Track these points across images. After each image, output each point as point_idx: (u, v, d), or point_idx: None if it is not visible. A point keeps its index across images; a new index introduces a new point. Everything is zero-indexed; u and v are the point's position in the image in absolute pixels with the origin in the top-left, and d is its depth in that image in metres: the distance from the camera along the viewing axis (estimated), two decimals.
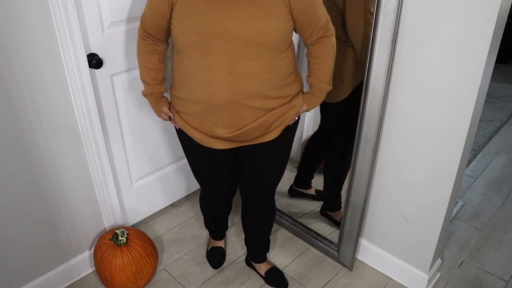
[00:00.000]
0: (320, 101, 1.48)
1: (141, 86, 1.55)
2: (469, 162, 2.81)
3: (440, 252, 1.87)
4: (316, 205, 2.22)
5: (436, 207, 1.64)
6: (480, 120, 2.50)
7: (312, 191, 2.28)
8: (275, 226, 2.15)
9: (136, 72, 1.69)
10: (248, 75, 1.28)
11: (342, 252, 1.94)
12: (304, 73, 1.50)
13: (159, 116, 1.53)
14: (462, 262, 2.03)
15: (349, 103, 1.77)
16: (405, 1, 1.39)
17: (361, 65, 1.68)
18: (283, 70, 1.34)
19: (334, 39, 1.39)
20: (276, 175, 1.63)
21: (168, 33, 1.40)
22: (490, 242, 2.15)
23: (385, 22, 1.42)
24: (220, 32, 1.23)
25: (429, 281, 1.82)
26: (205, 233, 2.15)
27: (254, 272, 1.96)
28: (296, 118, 1.49)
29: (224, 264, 1.99)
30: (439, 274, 1.93)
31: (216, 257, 2.00)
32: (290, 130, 1.50)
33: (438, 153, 1.54)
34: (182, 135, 1.51)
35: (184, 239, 2.14)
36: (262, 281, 1.91)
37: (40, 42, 1.43)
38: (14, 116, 1.46)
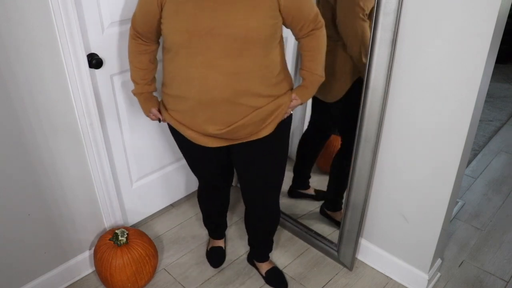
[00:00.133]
0: (313, 92, 1.48)
1: None
2: (469, 162, 2.81)
3: (440, 252, 1.88)
4: (316, 205, 2.22)
5: (436, 207, 1.64)
6: (480, 120, 2.50)
7: (311, 191, 2.28)
8: None
9: None
10: (237, 72, 1.29)
11: (342, 252, 1.94)
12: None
13: (147, 115, 1.56)
14: (462, 262, 2.03)
15: (346, 102, 1.78)
16: (405, 1, 1.39)
17: (355, 64, 1.69)
18: (273, 68, 1.35)
19: (324, 31, 1.40)
20: (274, 175, 1.61)
21: (158, 33, 1.41)
22: (490, 242, 2.16)
23: (385, 22, 1.42)
24: (208, 31, 1.25)
25: (429, 281, 1.82)
26: (205, 233, 2.15)
27: (254, 272, 1.96)
28: (288, 115, 1.49)
29: (224, 264, 1.99)
30: (439, 274, 1.93)
31: (216, 257, 2.00)
32: (283, 126, 1.49)
33: (438, 153, 1.54)
34: (174, 131, 1.53)
35: (184, 239, 2.14)
36: (262, 281, 1.91)
37: (40, 42, 1.43)
38: (14, 116, 1.46)
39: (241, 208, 2.35)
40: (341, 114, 1.90)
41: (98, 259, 1.75)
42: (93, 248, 1.86)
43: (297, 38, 1.42)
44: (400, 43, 1.47)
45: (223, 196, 1.87)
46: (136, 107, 1.90)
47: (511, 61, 4.40)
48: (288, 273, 1.95)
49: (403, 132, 1.61)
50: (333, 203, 2.12)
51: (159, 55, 1.48)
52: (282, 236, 2.15)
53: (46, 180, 1.63)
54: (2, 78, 1.38)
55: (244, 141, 1.45)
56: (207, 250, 2.05)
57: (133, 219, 2.17)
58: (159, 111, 1.53)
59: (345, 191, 1.83)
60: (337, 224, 2.04)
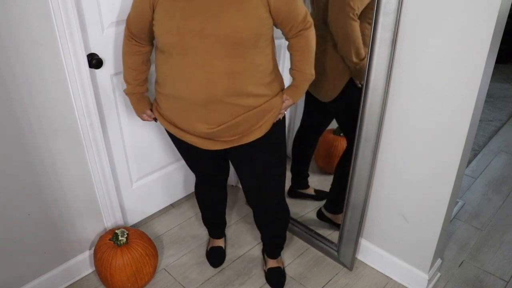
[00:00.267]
0: (303, 91, 1.49)
1: None
2: (469, 162, 2.81)
3: (440, 252, 1.88)
4: (316, 205, 2.22)
5: (436, 207, 1.64)
6: (480, 120, 2.50)
7: (311, 191, 2.28)
8: None
9: None
10: (228, 73, 1.30)
11: (342, 252, 1.94)
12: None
13: (139, 116, 1.59)
14: (462, 262, 2.03)
15: (342, 101, 1.79)
16: (405, 1, 1.39)
17: (346, 63, 1.70)
18: (263, 68, 1.36)
19: (313, 31, 1.40)
20: (273, 176, 1.60)
21: (151, 35, 1.43)
22: (490, 242, 2.16)
23: (385, 22, 1.42)
24: (197, 32, 1.26)
25: (429, 281, 1.82)
26: (205, 233, 2.15)
27: (254, 272, 1.96)
28: (282, 115, 1.49)
29: (224, 264, 1.99)
30: (439, 274, 1.93)
31: (216, 257, 2.00)
32: (277, 127, 1.50)
33: (438, 153, 1.54)
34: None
35: (184, 239, 2.14)
36: (262, 281, 1.91)
37: (40, 42, 1.43)
38: (14, 116, 1.46)
39: (241, 208, 2.35)
40: (340, 113, 1.91)
41: (98, 259, 1.75)
42: (93, 248, 1.86)
43: (286, 38, 1.43)
44: (400, 43, 1.47)
45: (220, 191, 1.88)
46: None
47: (511, 61, 4.40)
48: (288, 273, 1.95)
49: (403, 132, 1.61)
50: (334, 204, 2.12)
51: (153, 55, 1.49)
52: None
53: (46, 180, 1.63)
54: (2, 78, 1.38)
55: (241, 143, 1.46)
56: (207, 250, 2.05)
57: (133, 219, 2.17)
58: (152, 110, 1.56)
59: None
60: (337, 226, 2.04)
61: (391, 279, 1.93)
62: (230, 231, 2.19)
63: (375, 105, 1.57)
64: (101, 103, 1.76)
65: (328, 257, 2.03)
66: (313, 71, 1.45)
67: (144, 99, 1.56)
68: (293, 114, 2.25)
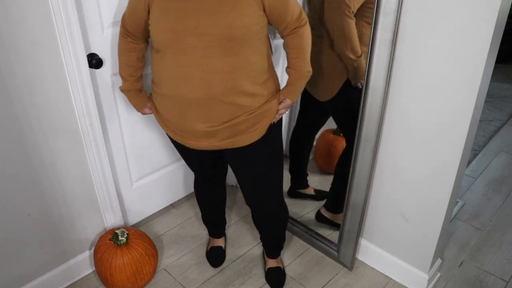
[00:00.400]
0: (300, 89, 1.48)
1: None
2: (469, 162, 2.81)
3: (440, 252, 1.88)
4: (316, 205, 2.22)
5: (436, 207, 1.64)
6: (480, 120, 2.50)
7: (311, 191, 2.28)
8: None
9: None
10: (222, 71, 1.30)
11: (342, 252, 1.94)
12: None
13: (140, 111, 1.60)
14: (462, 262, 2.03)
15: (340, 101, 1.79)
16: (405, 1, 1.39)
17: (344, 62, 1.71)
18: (258, 66, 1.36)
19: (308, 28, 1.40)
20: (270, 177, 1.60)
21: (146, 33, 1.44)
22: (490, 242, 2.16)
23: (385, 22, 1.42)
24: (191, 30, 1.27)
25: (429, 281, 1.82)
26: (205, 233, 2.15)
27: (254, 272, 1.96)
28: (279, 116, 1.49)
29: (224, 264, 1.99)
30: (439, 274, 1.93)
31: (216, 257, 2.00)
32: (274, 128, 1.50)
33: (438, 153, 1.54)
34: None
35: (184, 239, 2.14)
36: (262, 281, 1.91)
37: (40, 42, 1.43)
38: (14, 116, 1.46)
39: (241, 208, 2.35)
40: (337, 113, 1.91)
41: (98, 259, 1.75)
42: (93, 248, 1.86)
43: (282, 36, 1.43)
44: (400, 43, 1.47)
45: (219, 189, 1.88)
46: None
47: (511, 61, 4.40)
48: (288, 273, 1.95)
49: (403, 132, 1.61)
50: (334, 204, 2.12)
51: (150, 55, 1.50)
52: None
53: (46, 180, 1.63)
54: (2, 78, 1.38)
55: (238, 146, 1.46)
56: (207, 250, 2.05)
57: (133, 219, 2.17)
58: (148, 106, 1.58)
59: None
60: (336, 226, 2.04)
61: (391, 279, 1.93)
62: (230, 231, 2.19)
63: (375, 105, 1.57)
64: (101, 103, 1.76)
65: (328, 257, 2.03)
66: (309, 68, 1.45)
67: (141, 94, 1.57)
68: (291, 114, 2.25)
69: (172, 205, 2.37)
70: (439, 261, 1.91)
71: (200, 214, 2.02)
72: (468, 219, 2.31)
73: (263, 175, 1.58)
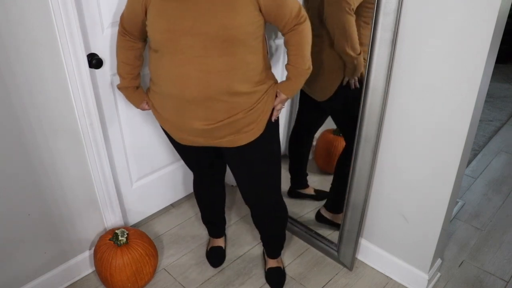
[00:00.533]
0: (298, 86, 1.48)
1: None
2: (469, 162, 2.81)
3: (440, 252, 1.88)
4: (316, 205, 2.22)
5: (436, 207, 1.64)
6: (480, 120, 2.50)
7: (311, 191, 2.28)
8: None
9: None
10: (218, 71, 1.31)
11: (342, 252, 1.94)
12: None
13: (139, 107, 1.61)
14: (462, 262, 2.03)
15: (337, 100, 1.79)
16: (405, 1, 1.39)
17: (343, 62, 1.71)
18: (254, 66, 1.37)
19: (308, 24, 1.40)
20: (268, 176, 1.60)
21: (144, 32, 1.45)
22: (490, 242, 2.15)
23: (385, 22, 1.42)
24: (187, 30, 1.28)
25: (429, 281, 1.82)
26: (205, 233, 2.15)
27: (254, 272, 1.96)
28: (278, 114, 1.49)
29: (224, 264, 1.99)
30: (439, 274, 1.93)
31: (216, 257, 2.00)
32: (271, 127, 1.50)
33: (438, 153, 1.54)
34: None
35: (184, 239, 2.14)
36: (262, 281, 1.91)
37: (40, 42, 1.43)
38: (14, 116, 1.46)
39: (240, 208, 2.35)
40: (335, 112, 1.91)
41: (98, 259, 1.75)
42: (93, 248, 1.86)
43: (282, 34, 1.43)
44: (400, 43, 1.47)
45: (218, 188, 1.88)
46: None
47: (511, 61, 4.40)
48: (288, 273, 1.95)
49: (403, 132, 1.61)
50: (334, 203, 2.12)
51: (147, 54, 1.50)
52: None
53: (46, 180, 1.63)
54: (2, 78, 1.38)
55: (235, 145, 1.46)
56: (207, 250, 2.05)
57: (133, 219, 2.17)
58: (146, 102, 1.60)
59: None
60: (336, 226, 2.04)
61: (391, 279, 1.93)
62: (230, 231, 2.19)
63: (375, 105, 1.57)
64: (101, 103, 1.76)
65: (328, 257, 2.03)
66: (309, 65, 1.44)
67: (138, 91, 1.59)
68: (291, 113, 2.25)
69: (172, 205, 2.37)
70: (439, 261, 1.91)
71: (200, 214, 2.02)
72: (468, 219, 2.31)
73: (261, 173, 1.58)
